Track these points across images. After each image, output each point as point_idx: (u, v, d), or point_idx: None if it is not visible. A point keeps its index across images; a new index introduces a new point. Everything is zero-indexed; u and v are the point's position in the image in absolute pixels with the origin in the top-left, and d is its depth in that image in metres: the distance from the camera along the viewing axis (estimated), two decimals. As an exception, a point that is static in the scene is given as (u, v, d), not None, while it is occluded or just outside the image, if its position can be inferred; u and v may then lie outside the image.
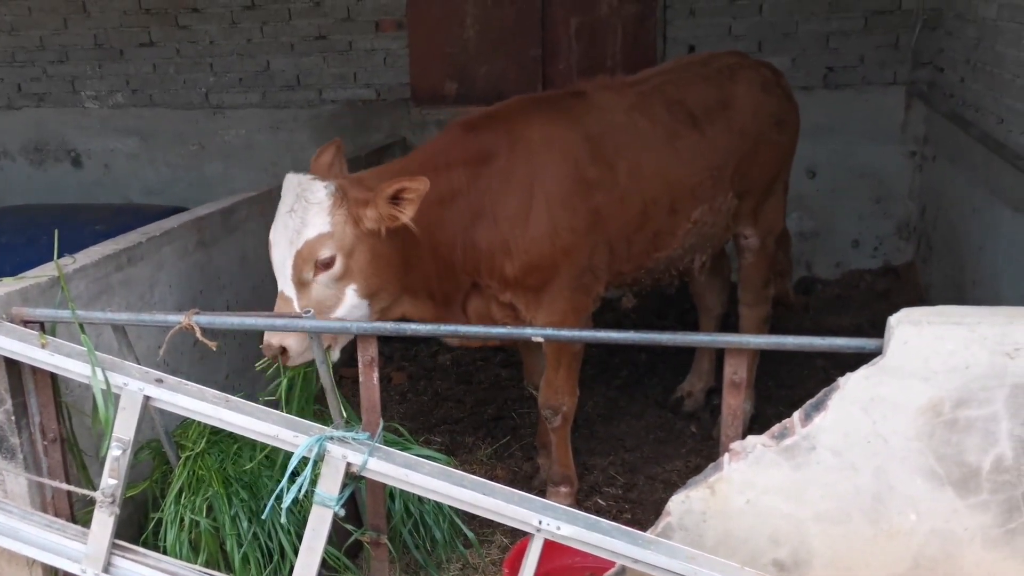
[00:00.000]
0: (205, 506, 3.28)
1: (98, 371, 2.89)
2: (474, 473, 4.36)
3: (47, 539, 3.03)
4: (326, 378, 3.14)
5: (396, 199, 3.22)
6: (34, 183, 7.58)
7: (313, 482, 2.84)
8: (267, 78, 7.04)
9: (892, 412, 2.63)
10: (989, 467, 2.62)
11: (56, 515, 3.21)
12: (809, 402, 2.75)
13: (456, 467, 3.08)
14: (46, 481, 3.11)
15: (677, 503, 2.81)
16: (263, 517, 3.05)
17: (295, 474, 2.83)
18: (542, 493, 4.06)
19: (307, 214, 3.19)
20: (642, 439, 4.71)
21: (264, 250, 4.72)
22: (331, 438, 2.81)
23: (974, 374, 2.55)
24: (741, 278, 4.65)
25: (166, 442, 3.40)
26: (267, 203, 4.81)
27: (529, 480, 4.36)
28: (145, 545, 3.46)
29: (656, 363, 5.56)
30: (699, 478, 2.83)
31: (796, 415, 2.76)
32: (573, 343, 3.76)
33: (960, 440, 2.60)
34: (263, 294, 4.75)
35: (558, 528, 2.69)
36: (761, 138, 4.24)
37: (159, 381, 2.92)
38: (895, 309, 6.80)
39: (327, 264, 3.23)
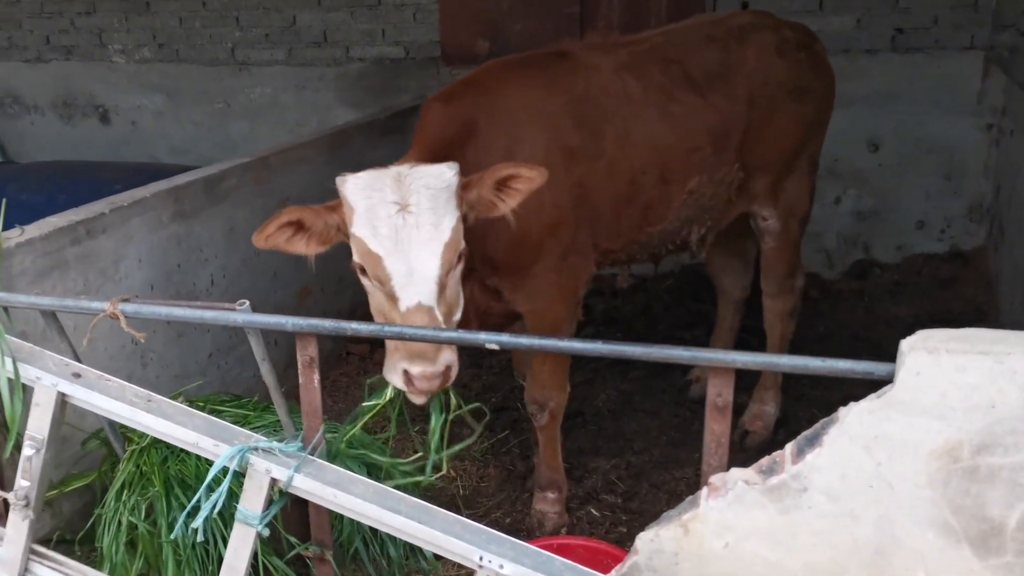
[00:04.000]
0: (145, 507, 3.03)
1: (8, 362, 2.62)
2: (465, 470, 4.09)
3: (-38, 540, 2.80)
4: (269, 377, 2.82)
5: (501, 187, 2.84)
6: (63, 139, 7.48)
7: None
8: (293, 34, 6.73)
9: (900, 454, 2.20)
10: (1015, 524, 2.18)
11: (-11, 509, 2.99)
12: (804, 434, 2.34)
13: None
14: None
15: (645, 541, 2.43)
16: (172, 536, 2.77)
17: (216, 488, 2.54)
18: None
19: (438, 201, 2.70)
20: (653, 440, 4.32)
21: (257, 220, 4.47)
22: (255, 449, 2.51)
23: (1001, 415, 2.10)
24: (763, 266, 4.19)
25: (110, 433, 3.15)
26: (261, 170, 4.54)
27: (523, 480, 4.02)
28: (86, 542, 3.25)
29: (680, 355, 5.12)
30: (672, 513, 2.45)
31: (788, 448, 2.35)
32: (559, 335, 3.39)
33: (981, 491, 2.17)
34: (254, 268, 4.50)
35: (501, 567, 2.34)
36: (774, 107, 3.77)
37: (76, 376, 2.65)
38: (960, 299, 6.17)
39: (463, 253, 2.81)
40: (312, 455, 2.58)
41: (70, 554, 3.17)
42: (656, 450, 4.22)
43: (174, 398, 3.07)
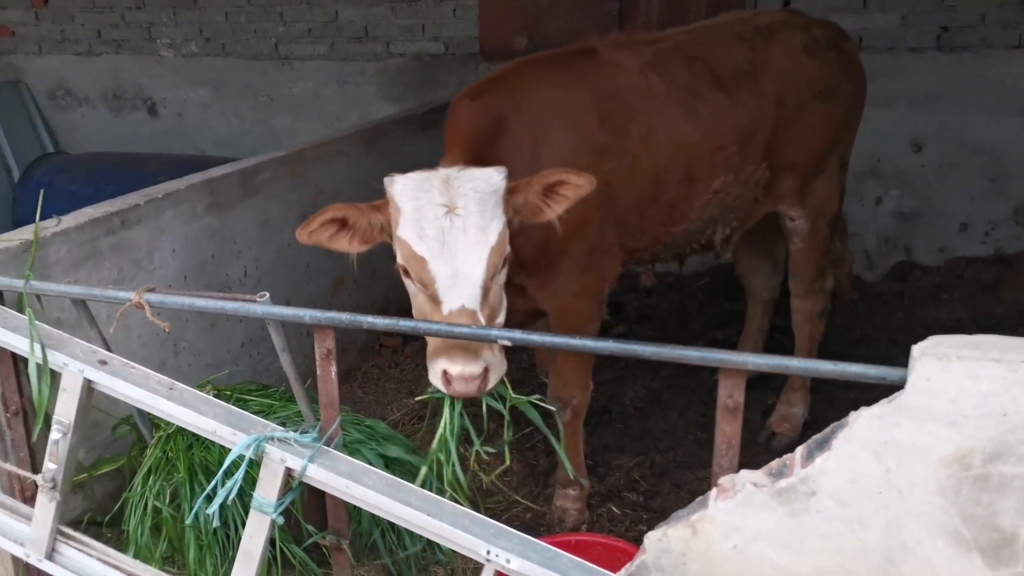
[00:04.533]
0: (169, 492, 3.10)
1: (36, 347, 2.70)
2: (488, 465, 4.11)
3: (-6, 518, 2.90)
4: (289, 368, 2.88)
5: (548, 192, 2.83)
6: (113, 130, 7.65)
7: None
8: (335, 29, 6.81)
9: (910, 460, 2.18)
10: (1029, 536, 2.14)
11: (22, 490, 3.09)
12: (814, 437, 2.34)
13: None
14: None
15: (653, 540, 2.43)
16: (187, 523, 2.83)
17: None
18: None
19: (486, 205, 2.69)
20: (679, 439, 4.30)
21: (291, 213, 4.56)
22: (271, 438, 2.56)
23: (1013, 423, 2.07)
24: (790, 267, 4.15)
25: (139, 419, 3.24)
26: (296, 164, 4.60)
27: (546, 477, 4.03)
28: (116, 524, 3.34)
29: (712, 354, 5.09)
30: (682, 513, 2.45)
31: (798, 451, 2.35)
32: (583, 333, 3.39)
33: (993, 500, 2.13)
34: (287, 260, 4.57)
35: (507, 561, 2.36)
36: (803, 107, 3.72)
37: (103, 363, 2.72)
38: (1003, 303, 6.01)
39: (508, 258, 2.79)
40: (328, 446, 2.62)
41: (99, 536, 3.27)
42: (681, 449, 4.21)
43: (200, 387, 3.15)
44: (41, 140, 7.78)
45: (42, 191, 3.47)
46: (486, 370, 2.66)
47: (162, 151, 7.27)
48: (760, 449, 4.21)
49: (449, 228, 2.66)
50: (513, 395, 2.86)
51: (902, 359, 4.43)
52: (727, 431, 2.47)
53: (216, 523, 2.65)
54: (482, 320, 2.66)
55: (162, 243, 3.75)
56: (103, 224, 3.45)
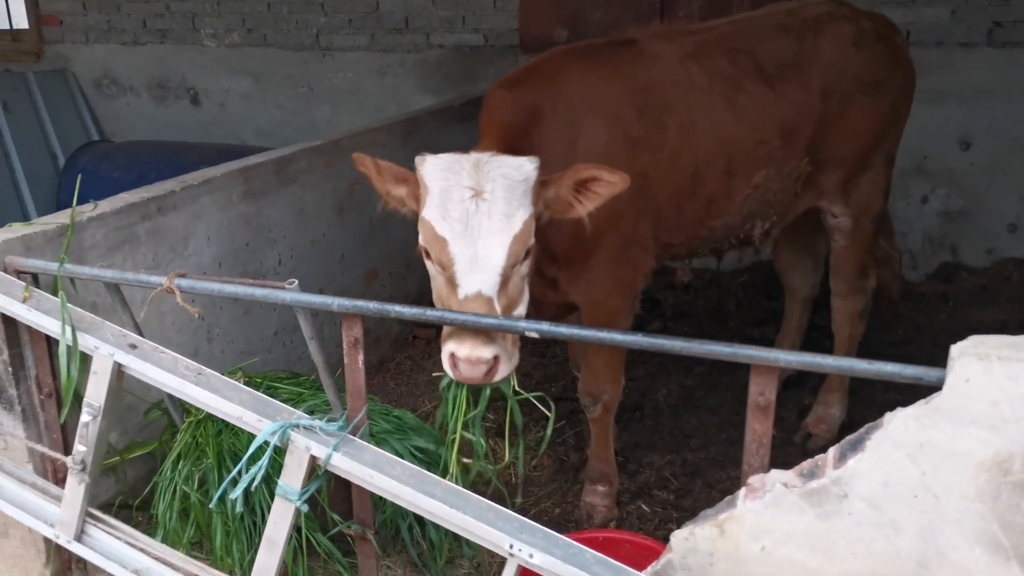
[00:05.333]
0: (198, 477, 3.12)
1: (67, 330, 2.72)
2: (518, 458, 4.08)
3: (26, 499, 2.93)
4: (317, 356, 2.87)
5: (580, 188, 2.78)
6: (156, 119, 7.74)
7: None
8: (375, 20, 6.81)
9: (947, 464, 2.11)
10: (1070, 545, 2.06)
11: (55, 472, 3.13)
12: (847, 438, 2.28)
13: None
14: (19, 438, 3.01)
15: (680, 539, 2.39)
16: (211, 504, 2.83)
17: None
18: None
19: (514, 192, 2.65)
20: (711, 437, 4.23)
21: (326, 202, 4.57)
22: (297, 426, 2.55)
23: (1056, 428, 1.99)
24: (832, 264, 4.04)
25: (170, 404, 3.26)
26: (332, 154, 4.60)
27: (575, 472, 3.99)
28: (146, 507, 3.36)
29: (750, 351, 5.01)
30: (710, 512, 2.41)
31: (831, 452, 2.29)
32: (615, 328, 3.34)
33: (1034, 508, 2.06)
34: (322, 249, 4.57)
35: (531, 556, 2.33)
36: (848, 101, 3.62)
37: (133, 347, 2.73)
38: (1051, 306, 5.75)
39: (532, 249, 2.76)
40: (354, 435, 2.61)
41: (129, 519, 3.30)
42: (714, 448, 4.14)
43: (231, 374, 3.17)
44: (86, 128, 7.89)
45: (79, 176, 3.50)
46: (496, 358, 2.60)
47: (204, 140, 7.33)
48: (796, 450, 4.13)
49: (474, 212, 2.63)
50: (515, 391, 2.81)
51: (944, 361, 4.28)
52: (757, 429, 2.42)
53: (240, 508, 2.65)
54: (498, 309, 2.62)
55: (198, 230, 3.77)
56: (139, 210, 3.47)
